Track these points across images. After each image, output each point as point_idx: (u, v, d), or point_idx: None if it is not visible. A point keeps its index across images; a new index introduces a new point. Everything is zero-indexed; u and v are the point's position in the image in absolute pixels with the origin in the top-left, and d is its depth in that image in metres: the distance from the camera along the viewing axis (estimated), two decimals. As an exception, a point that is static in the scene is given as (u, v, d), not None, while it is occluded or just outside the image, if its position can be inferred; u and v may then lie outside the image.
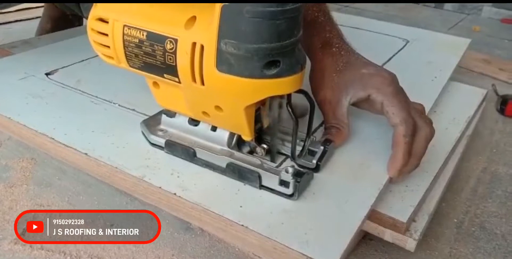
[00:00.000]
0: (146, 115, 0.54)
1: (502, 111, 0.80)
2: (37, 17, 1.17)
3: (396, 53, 0.75)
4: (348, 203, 0.41)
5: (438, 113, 0.61)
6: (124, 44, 0.41)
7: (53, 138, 0.49)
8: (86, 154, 0.47)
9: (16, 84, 0.60)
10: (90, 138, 0.49)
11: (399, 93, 0.47)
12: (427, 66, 0.71)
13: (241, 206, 0.40)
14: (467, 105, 0.64)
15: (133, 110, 0.55)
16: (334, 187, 0.43)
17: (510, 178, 0.63)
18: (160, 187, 0.42)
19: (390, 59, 0.73)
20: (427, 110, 0.57)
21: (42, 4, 1.21)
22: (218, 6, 0.33)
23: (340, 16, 0.97)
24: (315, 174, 0.44)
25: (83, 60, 0.68)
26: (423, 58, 0.74)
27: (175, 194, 0.41)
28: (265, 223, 0.38)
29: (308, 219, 0.39)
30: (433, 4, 1.56)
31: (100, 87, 0.60)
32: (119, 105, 0.56)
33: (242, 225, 0.37)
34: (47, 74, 0.63)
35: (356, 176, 0.45)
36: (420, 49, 0.78)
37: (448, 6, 1.53)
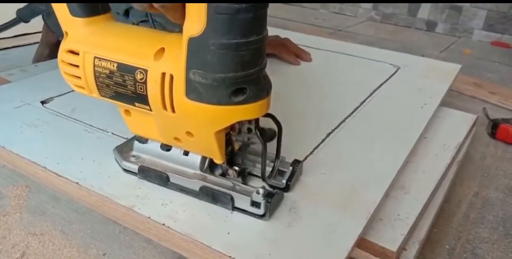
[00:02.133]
0: (138, 143, 0.54)
1: (493, 135, 0.81)
2: (34, 43, 1.19)
3: (387, 80, 0.76)
4: (336, 233, 0.41)
5: (428, 139, 0.62)
6: (95, 75, 0.42)
7: (45, 167, 0.50)
8: (77, 183, 0.47)
9: (11, 112, 0.61)
10: (82, 167, 0.50)
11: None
12: (417, 93, 0.72)
13: (228, 233, 0.41)
14: (457, 131, 0.65)
15: (126, 138, 0.56)
16: (323, 215, 0.43)
17: (501, 203, 0.63)
18: (149, 217, 0.42)
19: (381, 85, 0.74)
20: (417, 136, 0.58)
21: (39, 29, 1.24)
22: (185, 39, 0.35)
23: (332, 43, 0.99)
24: (304, 203, 0.45)
25: (79, 88, 0.69)
26: (413, 84, 0.75)
27: (164, 224, 0.41)
28: (252, 254, 0.38)
29: (295, 249, 0.39)
30: (424, 27, 1.59)
31: (94, 115, 0.61)
32: (112, 133, 0.57)
33: (230, 257, 0.38)
34: (42, 103, 0.64)
35: (345, 205, 0.45)
36: (410, 76, 0.79)
37: (439, 29, 1.56)
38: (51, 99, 0.65)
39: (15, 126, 0.57)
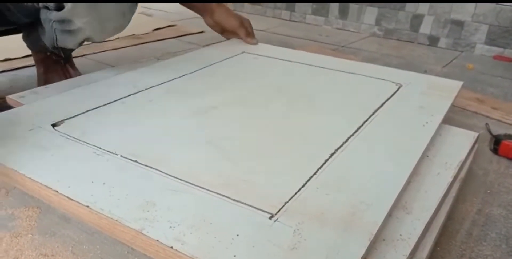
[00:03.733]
0: (147, 166, 0.56)
1: (495, 151, 0.82)
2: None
3: (389, 98, 0.78)
4: (339, 254, 0.42)
5: (430, 157, 0.63)
6: None
7: (56, 191, 0.51)
8: (88, 206, 0.48)
9: (24, 136, 0.63)
10: (92, 190, 0.51)
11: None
12: (419, 111, 0.73)
13: (235, 256, 0.41)
14: (459, 149, 0.66)
15: (135, 161, 0.57)
16: (326, 237, 0.44)
17: (504, 220, 0.64)
18: (157, 240, 0.43)
19: (383, 104, 0.75)
20: (418, 156, 0.60)
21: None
22: None
23: (334, 61, 1.01)
24: (308, 225, 0.45)
25: (88, 110, 0.71)
26: (415, 102, 0.76)
27: (171, 247, 0.42)
28: (258, 278, 0.39)
29: (300, 272, 0.40)
30: (427, 42, 1.60)
31: (103, 138, 0.62)
32: (121, 156, 0.58)
33: (236, 279, 0.39)
34: (53, 125, 0.66)
35: (348, 226, 0.46)
36: (412, 94, 0.81)
37: (441, 43, 1.57)
38: (61, 122, 0.67)
39: (27, 150, 0.59)
